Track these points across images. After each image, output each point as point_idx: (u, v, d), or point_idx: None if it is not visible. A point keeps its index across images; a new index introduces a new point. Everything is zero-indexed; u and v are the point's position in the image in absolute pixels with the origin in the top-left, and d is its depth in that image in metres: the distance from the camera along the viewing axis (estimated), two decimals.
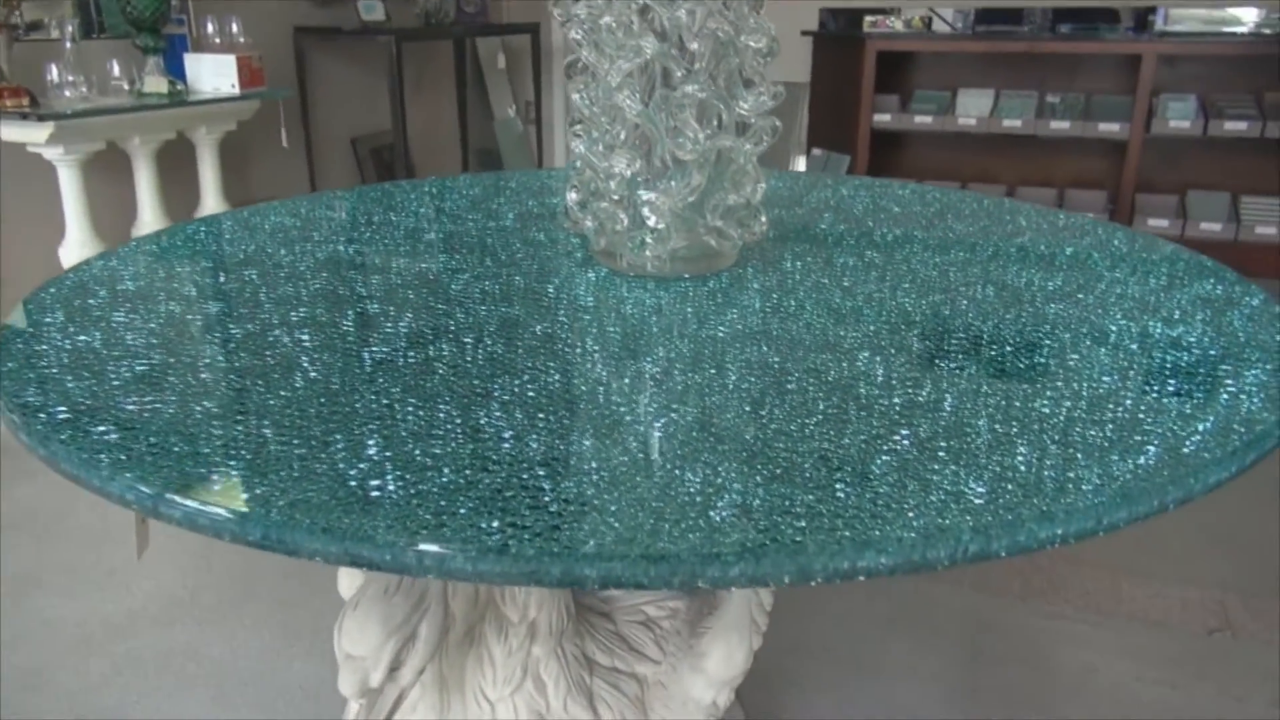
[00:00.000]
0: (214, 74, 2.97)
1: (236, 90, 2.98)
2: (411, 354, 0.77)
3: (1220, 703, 1.49)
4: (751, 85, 0.95)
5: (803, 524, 0.53)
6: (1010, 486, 0.57)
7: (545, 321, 0.85)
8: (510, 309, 0.88)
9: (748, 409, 0.68)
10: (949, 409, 0.67)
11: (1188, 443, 0.62)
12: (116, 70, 2.78)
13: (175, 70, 2.98)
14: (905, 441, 0.62)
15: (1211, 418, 0.66)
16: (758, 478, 0.58)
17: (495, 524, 0.52)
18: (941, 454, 0.61)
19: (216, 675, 1.55)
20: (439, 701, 0.88)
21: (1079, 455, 0.61)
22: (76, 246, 2.61)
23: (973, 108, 4.01)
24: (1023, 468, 0.59)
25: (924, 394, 0.70)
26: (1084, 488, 0.56)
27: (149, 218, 2.88)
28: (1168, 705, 1.48)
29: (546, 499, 0.55)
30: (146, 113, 2.76)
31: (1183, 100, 3.73)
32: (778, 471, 0.59)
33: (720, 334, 0.82)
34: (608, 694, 0.93)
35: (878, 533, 0.52)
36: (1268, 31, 3.57)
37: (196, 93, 2.97)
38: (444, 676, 0.88)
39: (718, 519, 0.53)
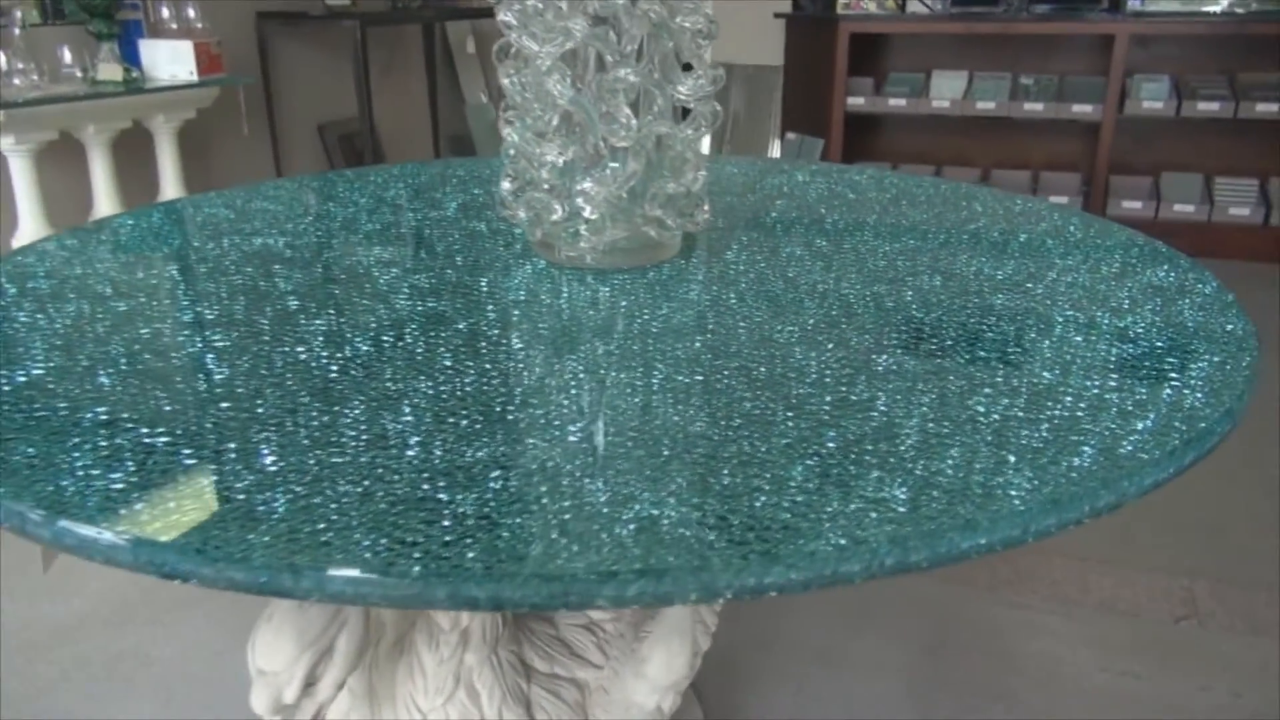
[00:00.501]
0: (170, 61, 2.90)
1: (194, 77, 2.91)
2: (325, 353, 0.74)
3: (1184, 692, 1.47)
4: (690, 69, 0.91)
5: (712, 537, 0.50)
6: (935, 493, 0.54)
7: (472, 318, 0.81)
8: (438, 304, 0.84)
9: (670, 411, 0.64)
10: (881, 408, 0.64)
11: (1125, 442, 0.59)
12: (68, 57, 2.71)
13: (131, 57, 2.91)
14: (831, 444, 0.59)
15: (1152, 415, 0.63)
16: (671, 486, 0.55)
17: (384, 542, 0.49)
18: (868, 458, 0.58)
19: (166, 678, 1.51)
20: (369, 712, 0.85)
21: (1011, 457, 0.58)
22: (29, 240, 2.54)
23: (946, 90, 3.98)
24: (951, 472, 0.56)
25: (857, 392, 0.67)
26: (1012, 493, 0.54)
27: (105, 209, 2.82)
28: (1131, 695, 1.47)
29: (444, 513, 0.52)
30: (100, 101, 2.69)
31: (1156, 81, 3.71)
32: (693, 480, 0.55)
33: (653, 329, 0.79)
34: (546, 701, 0.90)
35: (790, 546, 0.48)
36: (1240, 11, 3.55)
37: (153, 80, 2.90)
38: (374, 686, 0.85)
39: (623, 534, 0.50)
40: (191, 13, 3.03)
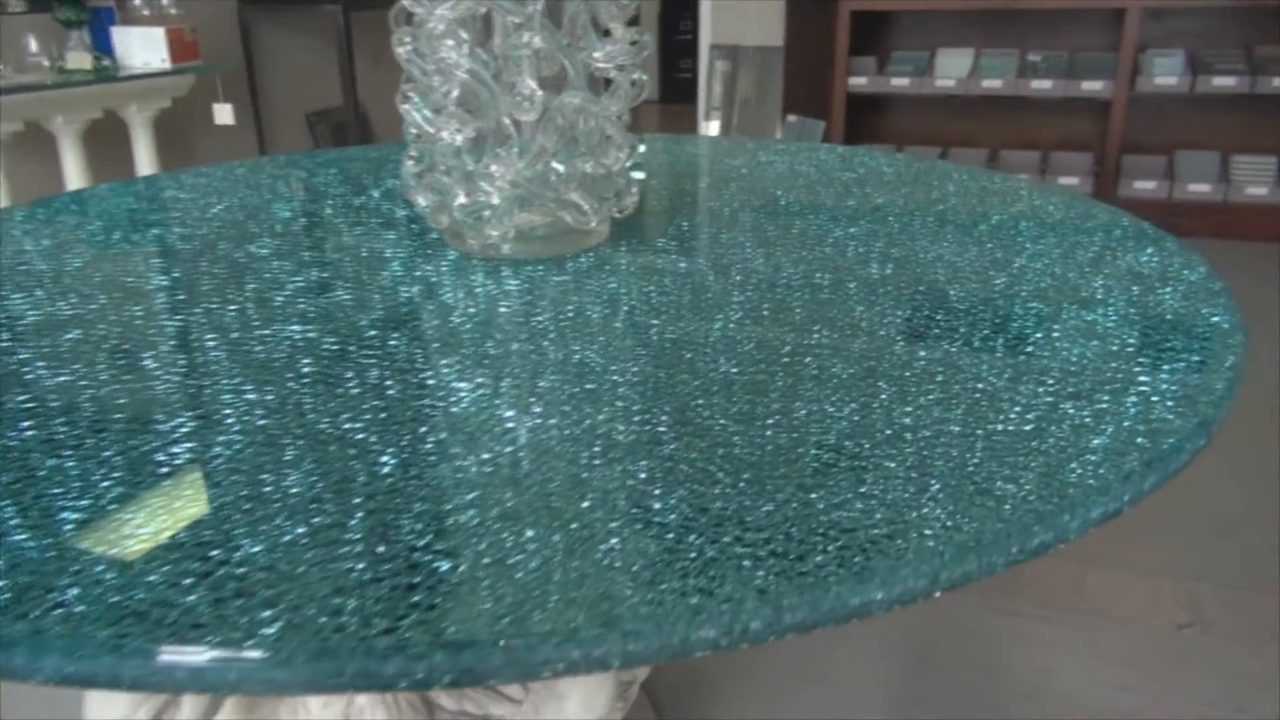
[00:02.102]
0: (143, 48, 2.82)
1: (168, 65, 2.83)
2: (151, 361, 0.64)
3: (1185, 707, 1.37)
4: (609, 35, 0.81)
5: (503, 609, 0.40)
6: (831, 533, 0.44)
7: (352, 316, 0.72)
8: (317, 301, 0.75)
9: (545, 436, 0.55)
10: (791, 423, 0.55)
11: (1074, 465, 0.49)
12: (34, 46, 2.64)
13: (103, 45, 2.83)
14: (721, 474, 0.50)
15: (1111, 429, 0.53)
16: (496, 537, 0.45)
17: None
18: (760, 488, 0.48)
19: None
20: None
21: (934, 484, 0.48)
22: None
23: (951, 68, 3.84)
24: (858, 505, 0.46)
25: (766, 404, 0.57)
26: (926, 533, 0.44)
27: None
28: (1126, 710, 1.36)
29: (222, 575, 0.43)
30: (69, 90, 2.62)
31: (1170, 56, 3.56)
32: (527, 529, 0.46)
33: (551, 331, 0.69)
34: None
35: (622, 610, 0.39)
36: None
37: (126, 68, 2.82)
38: None
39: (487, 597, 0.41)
40: None
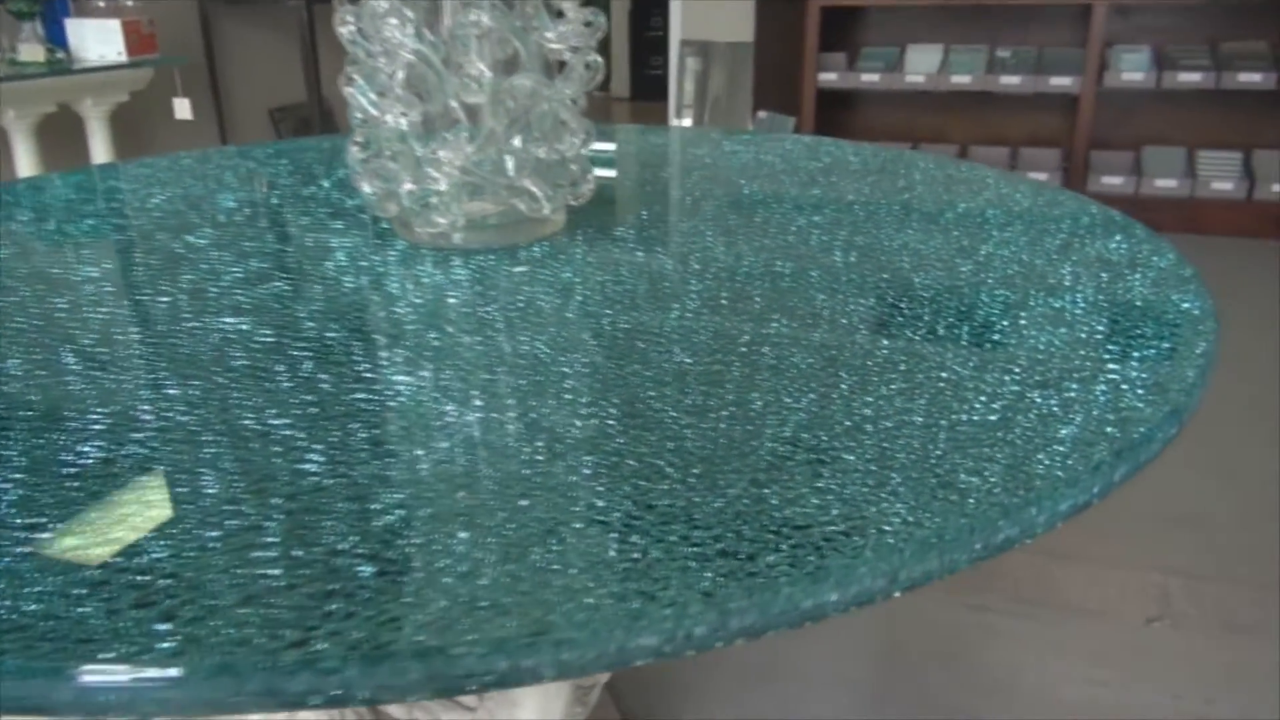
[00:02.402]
0: (98, 40, 2.75)
1: (124, 58, 2.77)
2: (69, 356, 0.61)
3: (1155, 701, 1.36)
4: (562, 16, 0.78)
5: (443, 603, 0.37)
6: (785, 530, 0.41)
7: (296, 309, 0.69)
8: (254, 292, 0.71)
9: (484, 431, 0.52)
10: (747, 415, 0.52)
11: (1041, 455, 0.47)
12: None
13: (57, 38, 2.76)
14: (672, 470, 0.47)
15: (1079, 418, 0.50)
16: (406, 542, 0.42)
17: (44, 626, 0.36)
18: (707, 491, 0.45)
19: None
20: None
21: (894, 479, 0.45)
22: None
23: (921, 64, 3.84)
24: (814, 500, 0.43)
25: (721, 395, 0.54)
26: (885, 529, 0.41)
27: None
28: (1097, 705, 1.35)
29: (152, 597, 0.39)
30: (21, 83, 2.55)
31: (1136, 52, 3.58)
32: (454, 536, 0.43)
33: (499, 322, 0.66)
34: None
35: (556, 617, 0.36)
36: None
37: (80, 61, 2.75)
38: None
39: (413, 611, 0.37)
40: None
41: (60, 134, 2.82)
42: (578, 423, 0.51)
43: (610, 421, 0.51)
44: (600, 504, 0.43)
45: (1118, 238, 0.81)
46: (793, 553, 0.40)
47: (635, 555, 0.39)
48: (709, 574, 0.38)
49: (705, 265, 0.77)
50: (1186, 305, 0.66)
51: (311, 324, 0.66)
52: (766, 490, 0.44)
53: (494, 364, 0.59)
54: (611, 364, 0.59)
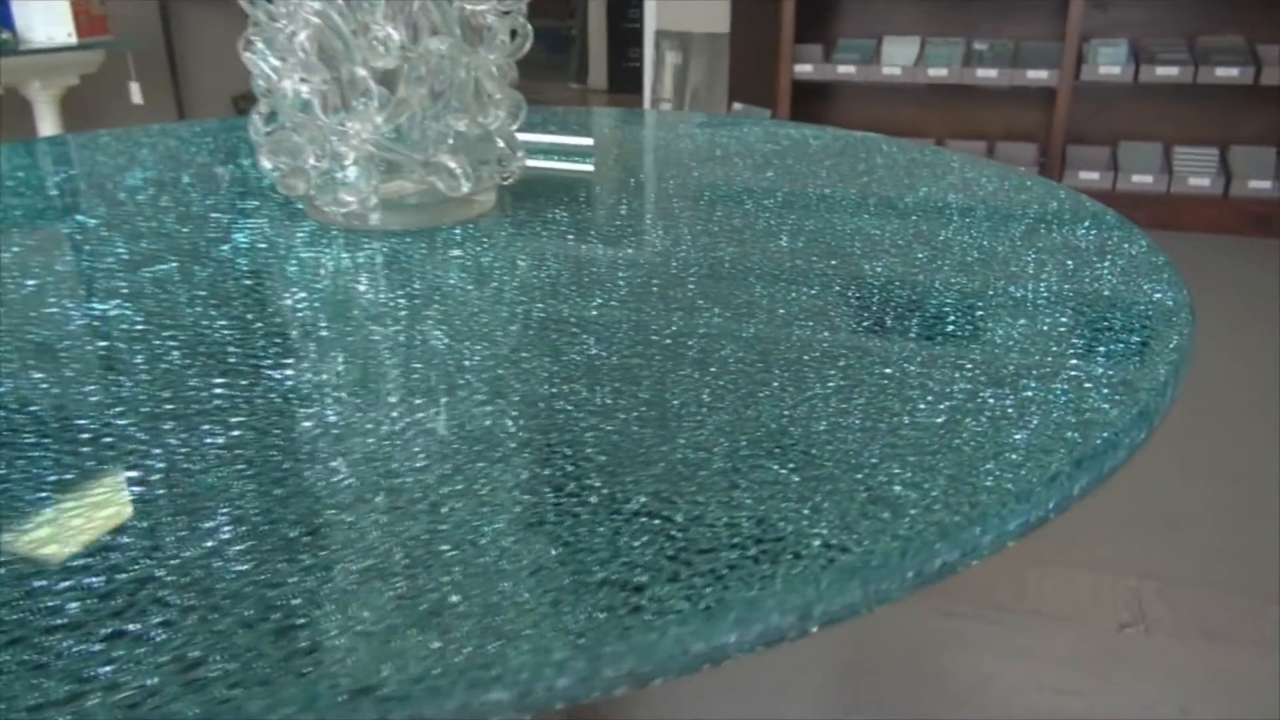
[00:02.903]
0: (46, 21, 2.65)
1: (74, 40, 2.67)
2: None
3: (1127, 710, 1.31)
4: None
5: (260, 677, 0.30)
6: (686, 556, 0.35)
7: (177, 295, 0.61)
8: (135, 275, 0.64)
9: (355, 433, 0.45)
10: (659, 420, 0.45)
11: (990, 465, 0.41)
12: None
13: (3, 19, 2.66)
14: (563, 478, 0.40)
15: (1036, 421, 0.44)
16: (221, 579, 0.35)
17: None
18: (597, 510, 0.39)
19: None
20: None
21: (819, 492, 0.39)
22: None
23: (898, 56, 3.79)
24: (721, 525, 0.37)
25: (634, 395, 0.48)
26: (802, 554, 0.35)
27: None
28: (1067, 715, 1.30)
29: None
30: None
31: (1114, 45, 3.55)
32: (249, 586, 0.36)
33: (403, 310, 0.59)
34: None
35: (388, 670, 0.29)
36: None
37: (26, 42, 2.65)
38: None
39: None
40: None
41: (6, 117, 2.72)
42: (466, 425, 0.45)
43: (504, 421, 0.45)
44: (467, 526, 0.37)
45: (1086, 224, 0.75)
46: (690, 583, 0.33)
47: (500, 588, 0.33)
48: (584, 612, 0.32)
49: (639, 251, 0.70)
50: (1159, 295, 0.60)
51: (190, 310, 0.59)
52: (670, 505, 0.38)
53: (382, 356, 0.52)
54: (520, 355, 0.52)
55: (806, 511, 0.37)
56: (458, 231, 0.74)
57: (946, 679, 1.37)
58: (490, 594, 0.32)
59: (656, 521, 0.37)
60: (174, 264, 0.67)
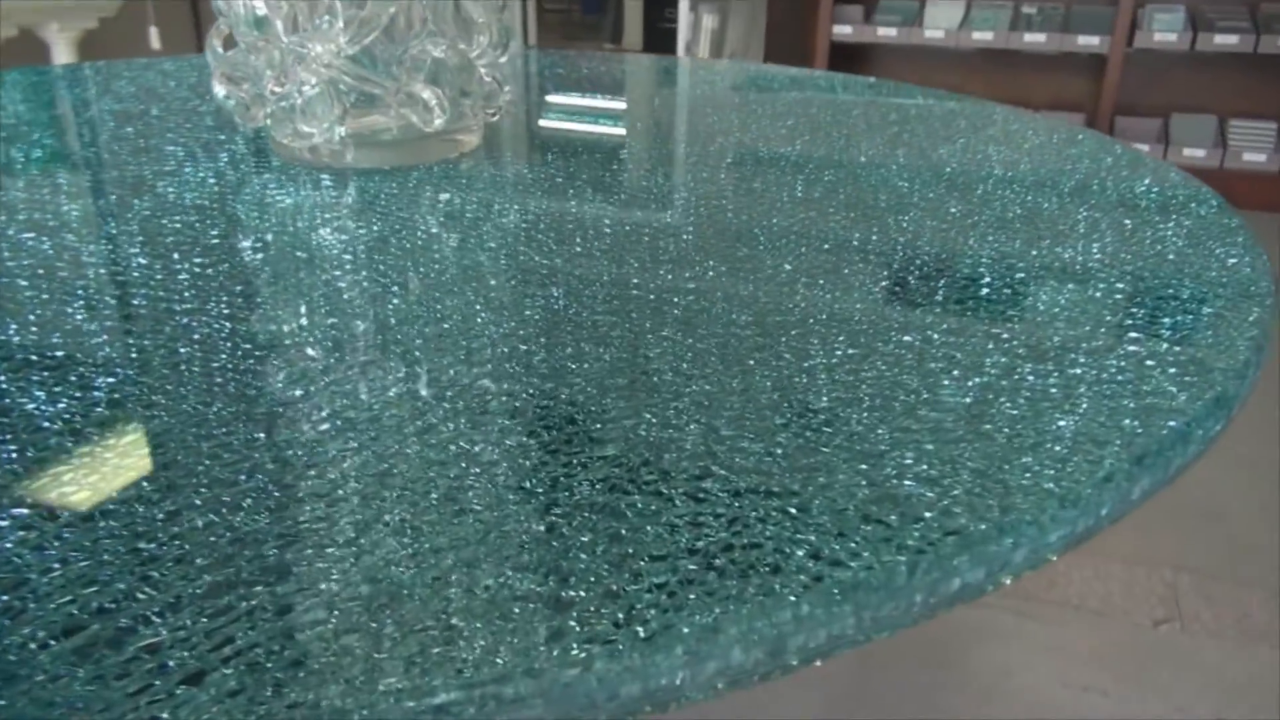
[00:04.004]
0: None
1: None
2: None
3: (1158, 713, 1.23)
4: None
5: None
6: (633, 564, 0.27)
7: (108, 230, 0.54)
8: (63, 209, 0.57)
9: (248, 394, 0.38)
10: (626, 392, 0.38)
11: (1027, 459, 0.33)
12: None
13: None
14: (505, 462, 0.33)
15: (1086, 404, 0.36)
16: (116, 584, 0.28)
17: None
18: (526, 509, 0.31)
19: None
20: None
21: (807, 493, 0.31)
22: None
23: (941, 18, 3.64)
24: (683, 533, 0.29)
25: (590, 366, 0.40)
26: (781, 569, 0.27)
27: None
28: (1093, 716, 1.22)
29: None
30: None
31: (1171, 11, 3.37)
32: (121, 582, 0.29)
33: (348, 257, 0.52)
34: None
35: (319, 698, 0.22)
36: None
37: None
38: None
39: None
40: None
41: (23, 61, 2.67)
42: (390, 391, 0.37)
43: (436, 389, 0.37)
44: (360, 509, 0.29)
45: (1146, 181, 0.66)
46: (632, 601, 0.26)
47: (378, 602, 0.26)
48: (484, 636, 0.24)
49: (631, 197, 0.62)
50: (1233, 261, 0.51)
51: (108, 248, 0.52)
52: (622, 495, 0.30)
53: (312, 305, 0.45)
54: (474, 309, 0.44)
55: (792, 510, 0.30)
56: (436, 171, 0.67)
57: (964, 672, 1.29)
58: (360, 647, 0.25)
59: (600, 516, 0.29)
60: (114, 199, 0.60)
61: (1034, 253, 0.52)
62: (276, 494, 0.30)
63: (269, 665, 0.23)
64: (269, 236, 0.54)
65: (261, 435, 0.33)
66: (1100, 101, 3.50)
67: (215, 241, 0.54)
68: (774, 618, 0.25)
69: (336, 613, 0.25)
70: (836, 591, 0.26)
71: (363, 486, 0.30)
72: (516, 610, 0.25)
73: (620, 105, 0.93)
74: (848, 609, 0.26)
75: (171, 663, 0.23)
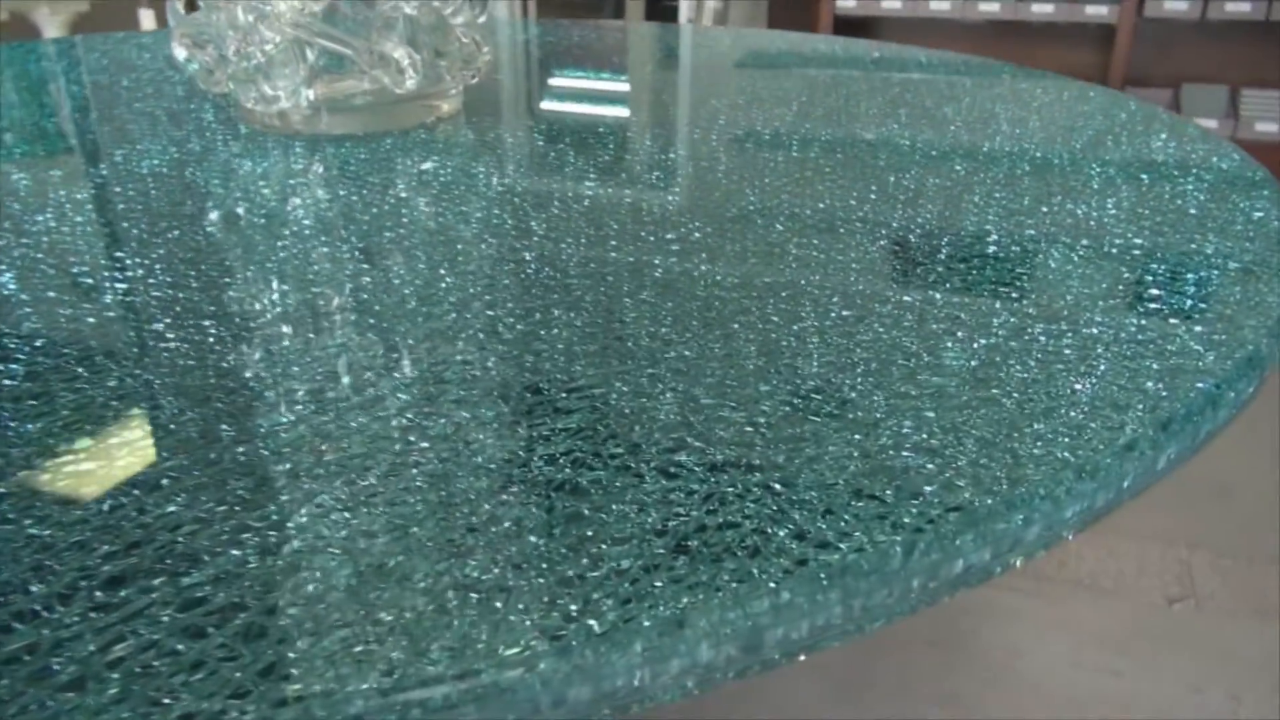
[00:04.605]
0: None
1: None
2: None
3: (1171, 694, 1.20)
4: None
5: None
6: (592, 547, 0.24)
7: (66, 194, 0.51)
8: (14, 181, 0.54)
9: (162, 367, 0.35)
10: (598, 358, 0.34)
11: (1039, 426, 0.29)
12: None
13: None
14: (456, 431, 0.30)
15: (1104, 365, 0.33)
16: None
17: None
18: (479, 481, 0.28)
19: None
20: None
21: (793, 466, 0.28)
22: None
23: None
24: (649, 509, 0.26)
25: (560, 331, 0.37)
26: (761, 550, 0.24)
27: None
28: (1105, 697, 1.19)
29: None
30: None
31: None
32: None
33: (305, 223, 0.49)
34: None
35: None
36: None
37: None
38: None
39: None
40: None
41: (14, 43, 2.63)
42: (336, 362, 0.34)
43: (388, 360, 0.34)
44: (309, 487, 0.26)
45: (1163, 136, 0.62)
46: (588, 589, 0.22)
47: (278, 625, 0.22)
48: (399, 651, 0.21)
49: (615, 161, 0.59)
50: (1259, 215, 0.47)
51: (48, 217, 0.48)
52: (584, 470, 0.27)
53: (261, 275, 0.42)
54: (429, 276, 0.41)
55: (775, 486, 0.26)
56: (413, 137, 0.63)
57: (974, 653, 1.26)
58: (270, 609, 0.22)
59: (559, 494, 0.26)
60: (61, 167, 0.57)
61: (1044, 209, 0.49)
62: (196, 473, 0.27)
63: (162, 669, 0.20)
64: (226, 204, 0.51)
65: (193, 411, 0.30)
66: (1110, 72, 3.43)
67: (166, 209, 0.50)
68: (749, 608, 0.22)
69: (246, 608, 0.22)
70: (823, 575, 0.23)
71: (294, 465, 0.27)
72: (454, 602, 0.22)
73: (608, 71, 0.89)
74: (834, 596, 0.23)
75: (55, 664, 0.20)
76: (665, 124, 0.68)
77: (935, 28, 3.73)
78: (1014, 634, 1.28)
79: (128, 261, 0.43)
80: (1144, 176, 0.53)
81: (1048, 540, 0.26)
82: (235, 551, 0.24)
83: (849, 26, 3.73)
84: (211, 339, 0.35)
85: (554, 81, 0.83)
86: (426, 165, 0.57)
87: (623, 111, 0.72)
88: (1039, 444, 0.28)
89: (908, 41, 3.90)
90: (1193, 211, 0.48)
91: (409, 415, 0.30)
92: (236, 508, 0.25)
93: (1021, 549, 0.25)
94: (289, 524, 0.25)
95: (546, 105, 0.74)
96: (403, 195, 0.52)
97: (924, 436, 0.28)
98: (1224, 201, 0.49)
